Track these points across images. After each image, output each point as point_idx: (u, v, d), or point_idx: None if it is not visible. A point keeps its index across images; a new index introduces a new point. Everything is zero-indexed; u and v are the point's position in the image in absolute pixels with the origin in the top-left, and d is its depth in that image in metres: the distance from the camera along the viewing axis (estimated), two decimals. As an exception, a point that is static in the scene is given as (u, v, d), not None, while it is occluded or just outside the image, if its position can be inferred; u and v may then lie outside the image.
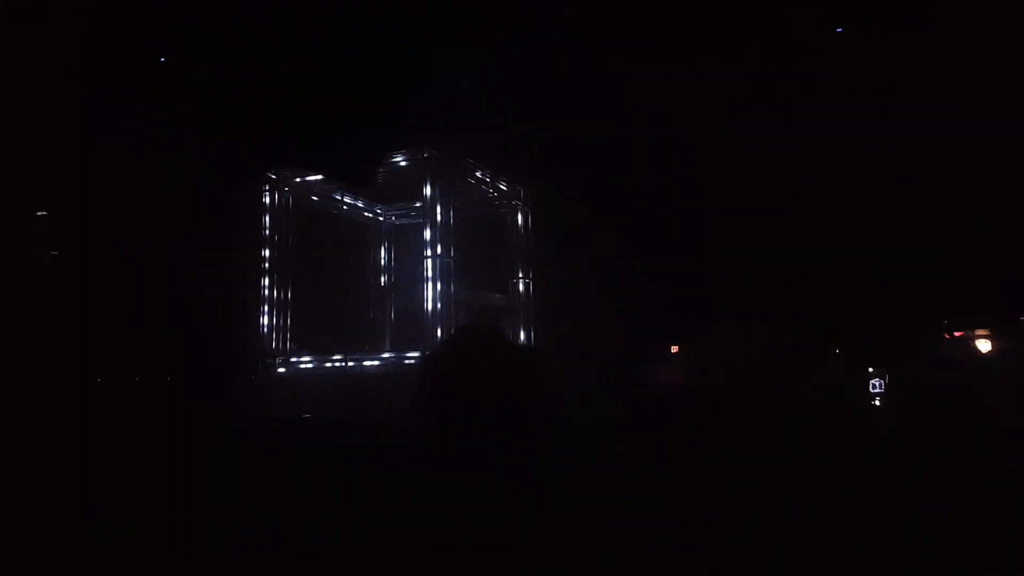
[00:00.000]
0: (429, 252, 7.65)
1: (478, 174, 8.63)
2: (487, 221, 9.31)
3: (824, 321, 6.50)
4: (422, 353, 7.27)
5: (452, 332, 2.23)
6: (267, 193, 8.34)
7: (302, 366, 8.07)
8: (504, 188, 9.11)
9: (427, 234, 7.70)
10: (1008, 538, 2.41)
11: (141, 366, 6.46)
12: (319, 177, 8.47)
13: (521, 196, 9.25)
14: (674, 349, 7.72)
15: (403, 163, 7.93)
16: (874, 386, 5.85)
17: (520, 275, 9.04)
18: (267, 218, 8.30)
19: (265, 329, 8.08)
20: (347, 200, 9.50)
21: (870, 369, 5.86)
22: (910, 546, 2.47)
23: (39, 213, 6.34)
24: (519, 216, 9.26)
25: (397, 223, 10.22)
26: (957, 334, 7.34)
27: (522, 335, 8.66)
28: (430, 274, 7.55)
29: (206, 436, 4.72)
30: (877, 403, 5.80)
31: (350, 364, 7.78)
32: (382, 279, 10.03)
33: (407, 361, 7.49)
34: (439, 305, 7.39)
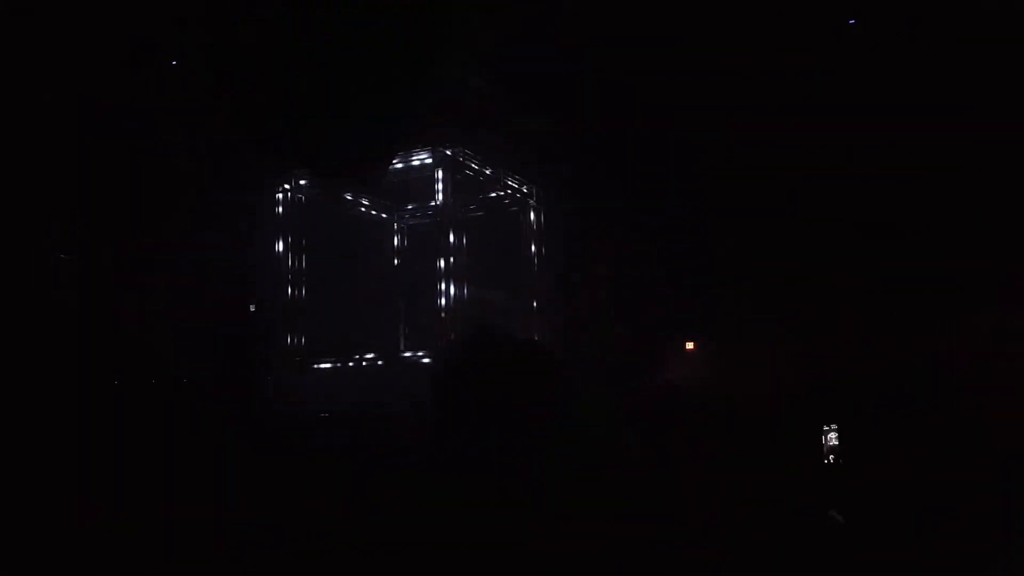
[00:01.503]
0: (441, 252, 7.74)
1: (489, 172, 8.68)
2: (499, 220, 9.34)
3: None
4: (434, 352, 7.32)
5: (461, 330, 2.23)
6: (279, 196, 8.46)
7: (317, 366, 8.19)
8: (516, 186, 9.13)
9: (439, 234, 7.79)
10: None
11: (159, 368, 6.56)
12: (331, 179, 8.54)
13: (533, 194, 9.29)
14: (689, 346, 7.71)
15: (414, 163, 8.00)
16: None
17: (533, 273, 9.06)
18: (280, 221, 8.43)
19: (280, 330, 8.20)
20: (359, 202, 9.57)
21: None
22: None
23: (56, 219, 6.46)
24: (531, 214, 9.28)
25: (409, 223, 10.28)
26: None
27: (535, 333, 8.70)
28: (442, 274, 7.62)
29: (219, 435, 4.81)
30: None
31: (364, 364, 7.86)
32: (395, 280, 10.10)
33: (421, 361, 7.55)
34: (451, 304, 7.45)
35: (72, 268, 6.60)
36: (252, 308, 7.23)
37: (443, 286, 7.60)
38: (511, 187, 9.07)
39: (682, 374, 7.10)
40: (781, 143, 6.93)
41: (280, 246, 8.34)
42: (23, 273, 6.14)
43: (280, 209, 8.42)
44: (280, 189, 8.45)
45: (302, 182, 8.57)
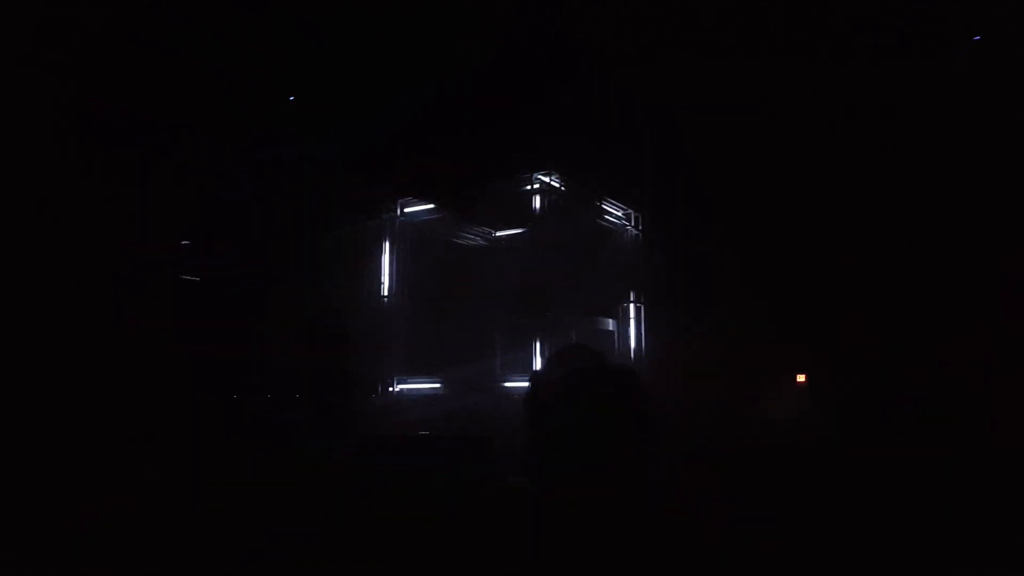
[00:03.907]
0: (539, 277, 7.75)
1: (588, 197, 8.65)
2: (597, 244, 9.29)
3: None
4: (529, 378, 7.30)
5: (554, 355, 2.26)
6: (387, 221, 8.80)
7: (418, 388, 8.37)
8: (615, 210, 9.05)
9: (537, 260, 7.83)
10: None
11: (273, 385, 6.93)
12: (433, 205, 8.81)
13: (632, 218, 9.17)
14: (800, 378, 7.32)
15: (513, 189, 8.08)
16: None
17: (631, 300, 8.91)
18: (386, 245, 8.77)
19: (385, 351, 8.50)
20: (460, 226, 9.78)
21: None
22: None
23: (183, 242, 7.02)
24: (630, 238, 9.15)
25: (508, 247, 10.37)
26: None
27: (632, 360, 8.53)
28: (539, 300, 7.64)
29: (326, 450, 5.01)
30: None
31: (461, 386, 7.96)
32: (492, 305, 10.19)
33: (515, 385, 7.56)
34: (548, 330, 7.45)
35: (193, 290, 7.10)
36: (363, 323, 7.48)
37: (540, 312, 7.58)
38: (611, 210, 9.00)
39: (782, 408, 6.75)
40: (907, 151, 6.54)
41: (385, 269, 8.68)
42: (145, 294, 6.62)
43: (386, 234, 8.75)
44: (387, 216, 8.81)
45: (407, 209, 8.92)
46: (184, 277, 7.04)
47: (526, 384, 1.90)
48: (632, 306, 8.87)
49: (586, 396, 2.04)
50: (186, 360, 6.54)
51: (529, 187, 7.94)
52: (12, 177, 5.35)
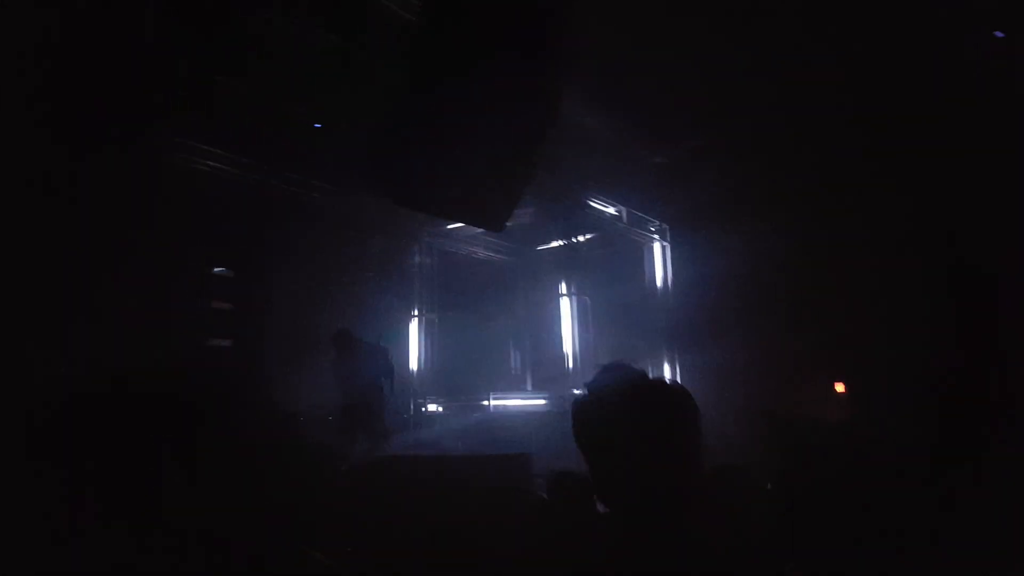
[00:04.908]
0: (565, 291, 7.79)
1: (612, 211, 8.68)
2: (624, 257, 9.28)
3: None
4: (563, 394, 7.30)
5: (599, 371, 2.25)
6: (415, 242, 8.92)
7: (449, 405, 8.41)
8: (639, 221, 9.05)
9: (563, 274, 7.87)
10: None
11: (304, 405, 7.01)
12: (460, 225, 8.89)
13: (657, 228, 9.16)
14: (839, 387, 7.19)
15: (539, 206, 8.13)
16: None
17: (659, 310, 8.83)
18: (415, 265, 8.87)
19: (416, 369, 8.57)
20: (486, 244, 9.83)
21: None
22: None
23: (217, 270, 7.10)
24: (656, 249, 9.12)
25: (533, 265, 10.39)
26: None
27: (665, 372, 8.45)
28: (566, 314, 7.66)
29: (359, 469, 5.05)
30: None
31: (492, 404, 7.98)
32: (519, 321, 10.19)
33: (545, 401, 7.56)
34: (576, 344, 7.43)
35: (231, 319, 7.18)
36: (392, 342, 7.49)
37: (566, 326, 7.60)
38: (635, 222, 9.01)
39: (840, 416, 6.61)
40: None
41: (414, 289, 8.79)
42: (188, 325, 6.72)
43: (414, 253, 8.87)
44: (414, 237, 8.90)
45: (434, 229, 8.96)
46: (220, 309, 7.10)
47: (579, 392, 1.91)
48: (660, 317, 8.80)
49: (643, 409, 2.05)
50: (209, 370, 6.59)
51: (555, 203, 7.97)
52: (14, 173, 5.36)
